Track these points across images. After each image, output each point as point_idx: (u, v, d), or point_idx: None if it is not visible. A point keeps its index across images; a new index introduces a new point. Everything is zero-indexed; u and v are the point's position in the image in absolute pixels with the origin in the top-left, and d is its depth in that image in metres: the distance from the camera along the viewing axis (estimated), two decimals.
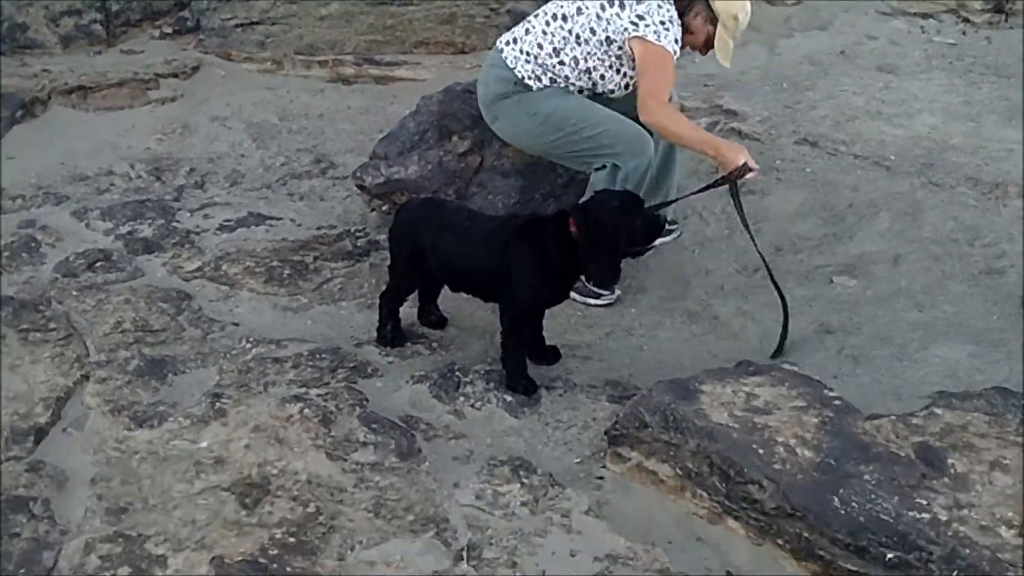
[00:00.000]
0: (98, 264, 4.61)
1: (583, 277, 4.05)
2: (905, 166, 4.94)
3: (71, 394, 3.77)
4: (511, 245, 3.68)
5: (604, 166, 4.23)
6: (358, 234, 4.89)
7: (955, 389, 3.45)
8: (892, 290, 4.19)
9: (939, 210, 4.61)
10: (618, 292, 4.36)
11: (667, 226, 4.51)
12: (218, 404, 3.66)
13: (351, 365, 3.90)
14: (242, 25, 6.56)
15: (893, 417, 3.25)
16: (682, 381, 3.41)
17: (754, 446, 3.11)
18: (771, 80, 6.10)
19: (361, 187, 4.71)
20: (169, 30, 6.75)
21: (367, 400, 3.71)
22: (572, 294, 4.34)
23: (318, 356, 3.94)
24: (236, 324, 4.23)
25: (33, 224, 4.93)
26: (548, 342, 4.01)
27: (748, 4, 4.28)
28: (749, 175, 4.04)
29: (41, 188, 5.34)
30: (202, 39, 6.62)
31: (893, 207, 4.64)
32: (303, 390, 3.74)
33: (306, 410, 3.60)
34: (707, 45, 4.37)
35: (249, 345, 4.03)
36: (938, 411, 3.30)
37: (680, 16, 4.20)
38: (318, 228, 4.96)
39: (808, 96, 5.84)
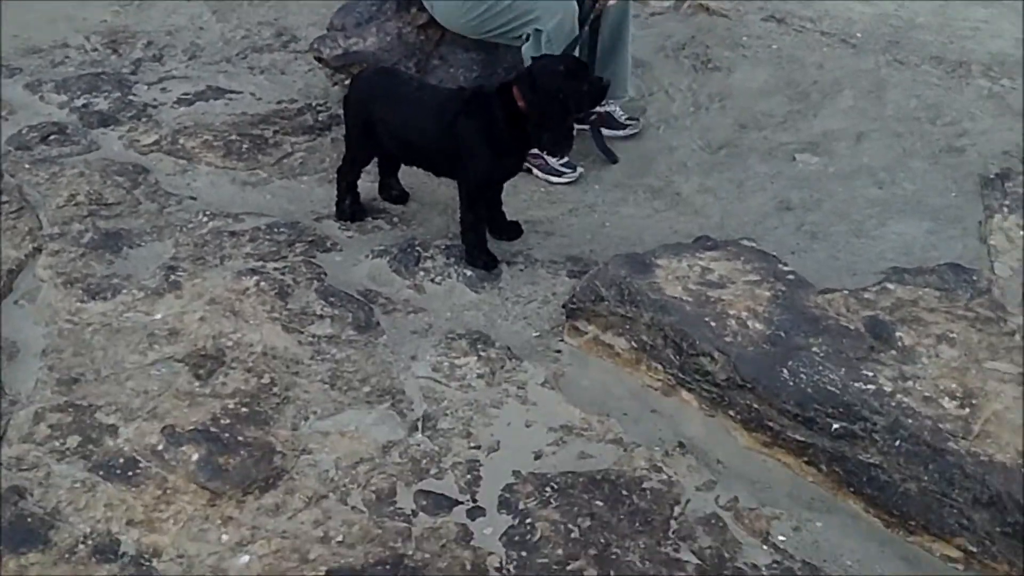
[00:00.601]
0: (52, 137, 4.53)
1: (544, 153, 4.01)
2: (871, 44, 4.88)
3: (23, 267, 3.75)
4: (459, 119, 3.63)
5: (529, 36, 4.15)
6: (319, 108, 4.81)
7: (909, 265, 3.47)
8: (853, 167, 4.18)
9: (902, 88, 4.57)
10: (580, 170, 4.33)
11: (628, 121, 4.51)
12: (173, 277, 3.65)
13: (309, 239, 3.88)
14: None
15: (846, 291, 3.28)
16: (638, 255, 3.42)
17: (706, 319, 3.14)
18: None
19: (319, 59, 4.61)
20: None
21: (325, 274, 3.70)
22: (535, 172, 4.31)
23: (276, 230, 3.91)
24: (193, 198, 4.18)
25: None
26: (510, 218, 3.99)
27: None
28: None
29: None
30: None
31: (857, 85, 4.59)
32: (260, 263, 3.72)
33: (262, 283, 3.60)
34: None
35: (205, 219, 3.99)
36: (890, 286, 3.33)
37: None
38: (278, 102, 4.88)
39: None
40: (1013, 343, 3.07)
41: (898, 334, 3.07)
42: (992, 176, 3.98)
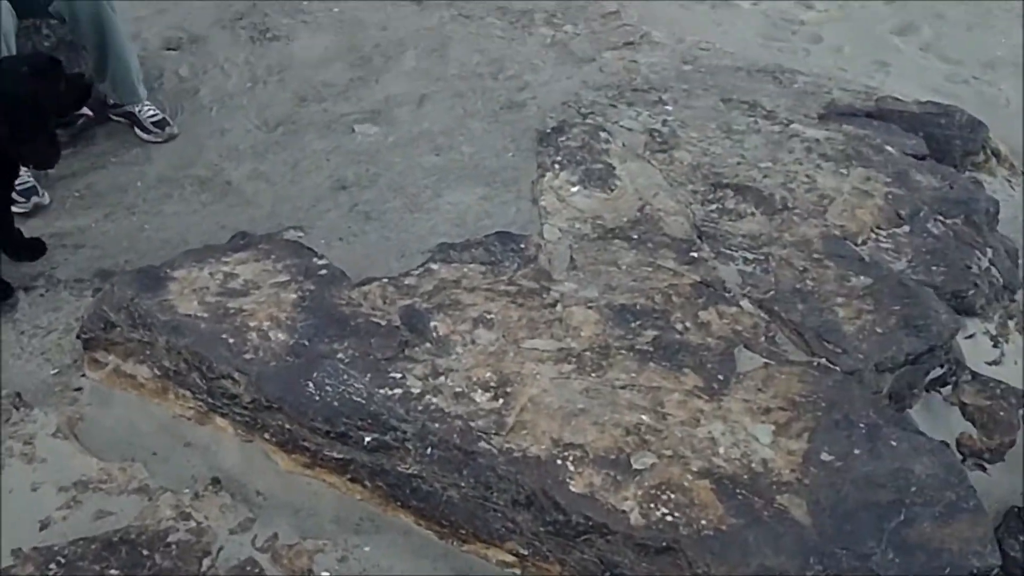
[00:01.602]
0: None
1: (29, 168, 3.53)
2: None
3: None
4: None
5: None
6: None
7: (460, 238, 3.30)
8: (414, 134, 3.98)
9: (466, 43, 4.41)
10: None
11: (153, 125, 4.13)
12: None
13: None
14: None
15: (385, 280, 3.07)
16: (152, 269, 3.06)
17: (224, 336, 2.83)
18: None
19: None
20: None
21: None
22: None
23: None
24: None
25: None
26: (39, 231, 3.52)
27: None
28: None
29: None
30: None
31: (421, 44, 4.40)
32: None
33: None
34: None
35: None
36: (434, 266, 3.15)
37: None
38: None
39: None
40: (553, 315, 2.95)
41: (433, 323, 2.88)
42: (548, 131, 3.87)
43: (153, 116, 4.13)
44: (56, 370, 3.06)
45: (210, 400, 2.84)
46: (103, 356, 3.00)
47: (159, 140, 4.10)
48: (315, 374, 2.72)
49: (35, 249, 3.47)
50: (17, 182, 3.56)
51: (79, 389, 2.99)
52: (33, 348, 3.14)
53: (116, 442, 2.84)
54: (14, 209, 3.58)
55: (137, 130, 4.13)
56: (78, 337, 3.04)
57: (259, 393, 2.73)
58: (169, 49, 4.54)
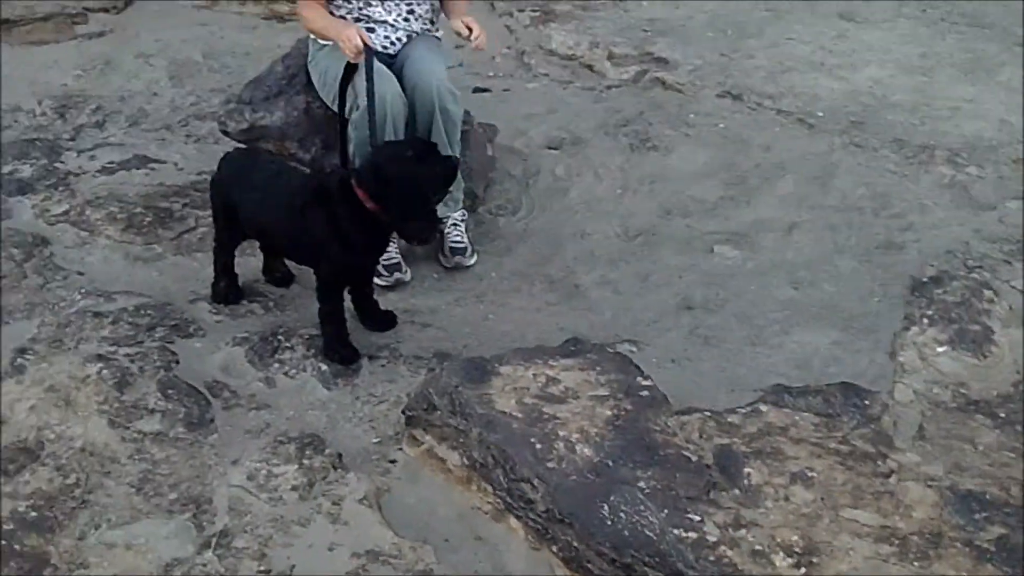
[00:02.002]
0: None
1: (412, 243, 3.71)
2: (830, 124, 4.50)
3: None
4: (307, 209, 3.39)
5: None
6: None
7: (800, 382, 3.09)
8: (774, 263, 3.80)
9: (853, 174, 4.17)
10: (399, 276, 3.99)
11: (456, 251, 4.07)
12: (20, 360, 3.45)
13: (172, 323, 3.66)
14: None
15: (707, 413, 2.91)
16: (481, 361, 3.10)
17: (532, 439, 2.80)
18: (717, 26, 5.67)
19: (225, 132, 4.41)
20: None
21: (177, 362, 3.48)
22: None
23: (142, 312, 3.70)
24: (81, 273, 4.01)
25: None
26: (394, 305, 3.71)
27: None
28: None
29: None
30: None
31: (802, 169, 4.22)
32: (112, 348, 3.51)
33: (105, 371, 3.38)
34: None
35: (79, 297, 3.81)
36: (763, 408, 2.95)
37: None
38: (199, 173, 4.69)
39: (749, 44, 5.39)
40: (885, 486, 2.66)
41: (747, 470, 2.69)
42: (925, 280, 3.55)
43: (456, 242, 4.05)
44: (378, 439, 3.18)
45: (508, 500, 2.81)
46: (421, 435, 3.07)
47: (448, 266, 4.02)
48: (612, 497, 2.61)
49: (387, 322, 3.67)
50: (384, 257, 3.79)
51: (393, 461, 3.08)
52: (363, 414, 3.29)
53: (414, 521, 2.88)
54: (376, 282, 3.81)
55: (439, 253, 4.08)
56: (403, 412, 3.14)
57: (554, 504, 2.66)
58: (551, 148, 4.68)
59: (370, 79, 3.68)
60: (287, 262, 3.93)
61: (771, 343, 3.36)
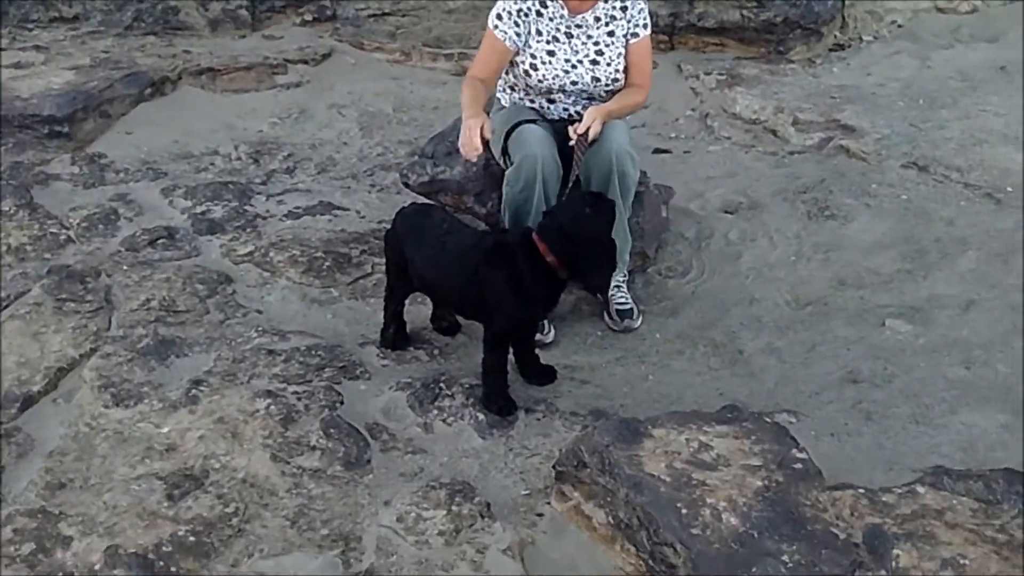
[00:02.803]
0: (160, 241, 4.70)
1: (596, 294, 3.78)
2: (1019, 200, 4.30)
3: (75, 366, 3.86)
4: (481, 267, 3.50)
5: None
6: None
7: (963, 465, 2.93)
8: (948, 340, 3.64)
9: None
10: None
11: (620, 314, 4.09)
12: (194, 391, 3.64)
13: (341, 364, 3.78)
14: (375, 16, 6.59)
15: (861, 491, 2.79)
16: (634, 422, 3.07)
17: (679, 504, 2.75)
18: (909, 95, 5.51)
19: (406, 184, 4.56)
20: (310, 18, 6.89)
21: (342, 402, 3.59)
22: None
23: (313, 352, 3.84)
24: (260, 312, 4.20)
25: (123, 197, 5.09)
26: (555, 361, 3.75)
27: None
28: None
29: (146, 163, 5.51)
30: (337, 28, 6.72)
31: (985, 246, 4.03)
32: (282, 386, 3.66)
33: (272, 407, 3.52)
34: None
35: (255, 334, 3.98)
36: (921, 489, 2.81)
37: None
38: (379, 221, 4.86)
39: (941, 115, 5.22)
40: None
41: (896, 552, 2.56)
42: None
43: (622, 304, 4.08)
44: (527, 491, 3.19)
45: (651, 563, 2.76)
46: (569, 491, 3.06)
47: (617, 329, 4.04)
48: (754, 569, 2.54)
49: (547, 376, 3.71)
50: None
51: (540, 515, 3.09)
52: (515, 466, 3.31)
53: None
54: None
55: (604, 313, 4.11)
56: (554, 467, 3.14)
57: (695, 570, 2.60)
58: (726, 212, 4.64)
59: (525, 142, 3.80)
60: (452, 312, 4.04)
61: (936, 423, 3.21)
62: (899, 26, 6.52)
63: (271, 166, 5.55)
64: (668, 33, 6.42)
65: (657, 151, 5.41)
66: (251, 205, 5.04)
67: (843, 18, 6.44)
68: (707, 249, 4.43)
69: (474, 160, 3.83)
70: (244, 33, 6.84)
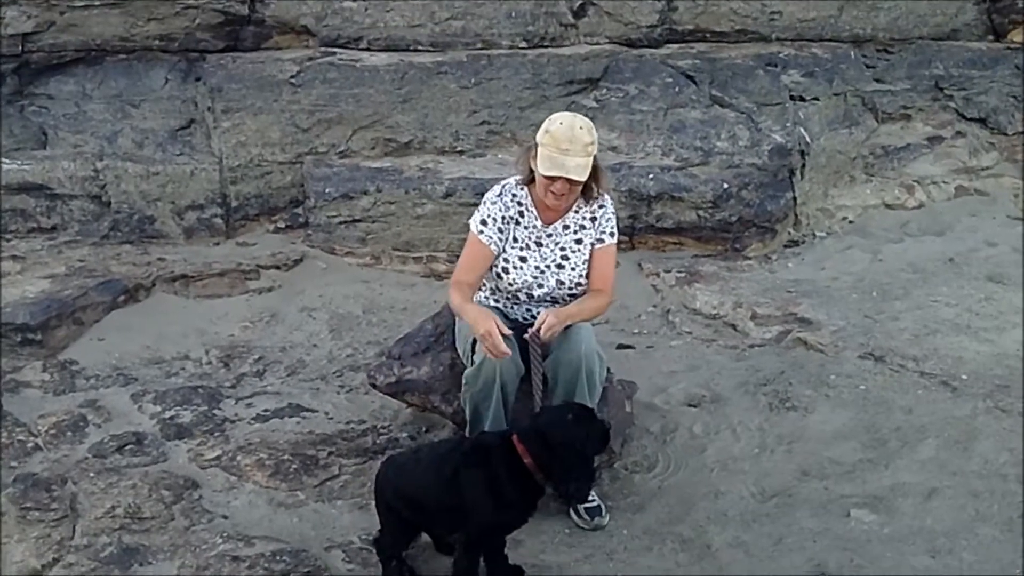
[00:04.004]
0: (127, 447, 4.69)
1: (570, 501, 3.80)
2: (975, 387, 4.41)
3: None
4: (460, 470, 3.55)
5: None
6: (382, 431, 4.78)
7: None
8: (912, 529, 3.66)
9: (996, 439, 4.05)
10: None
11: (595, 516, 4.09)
12: None
13: (306, 570, 3.77)
14: (345, 222, 6.77)
15: None
16: None
17: None
18: (862, 287, 5.70)
19: (374, 385, 4.62)
20: (283, 225, 7.06)
21: None
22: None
23: (278, 558, 3.83)
24: (225, 517, 4.18)
25: (93, 403, 5.11)
26: (523, 560, 3.72)
27: (570, 118, 3.97)
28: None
29: (117, 369, 5.55)
30: (309, 234, 6.89)
31: (944, 433, 4.11)
32: None
33: None
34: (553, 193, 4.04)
35: (220, 541, 3.96)
36: None
37: (528, 183, 4.13)
38: (347, 423, 4.89)
39: (894, 306, 5.39)
40: None
41: None
42: None
43: (589, 503, 4.05)
44: None
45: None
46: None
47: (587, 528, 4.02)
48: None
49: None
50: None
51: None
52: None
53: None
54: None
55: (571, 511, 4.10)
56: None
57: None
58: (690, 405, 4.71)
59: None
60: None
61: None
62: (850, 222, 6.79)
63: (241, 369, 5.60)
64: (628, 234, 6.62)
65: (620, 347, 5.51)
66: (220, 409, 5.06)
67: (796, 216, 6.70)
68: (672, 443, 4.47)
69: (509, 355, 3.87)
70: (218, 240, 6.99)
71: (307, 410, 5.04)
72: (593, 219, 4.16)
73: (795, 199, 6.68)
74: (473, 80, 7.15)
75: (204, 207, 6.99)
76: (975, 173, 7.31)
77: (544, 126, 3.96)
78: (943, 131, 7.52)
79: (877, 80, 7.48)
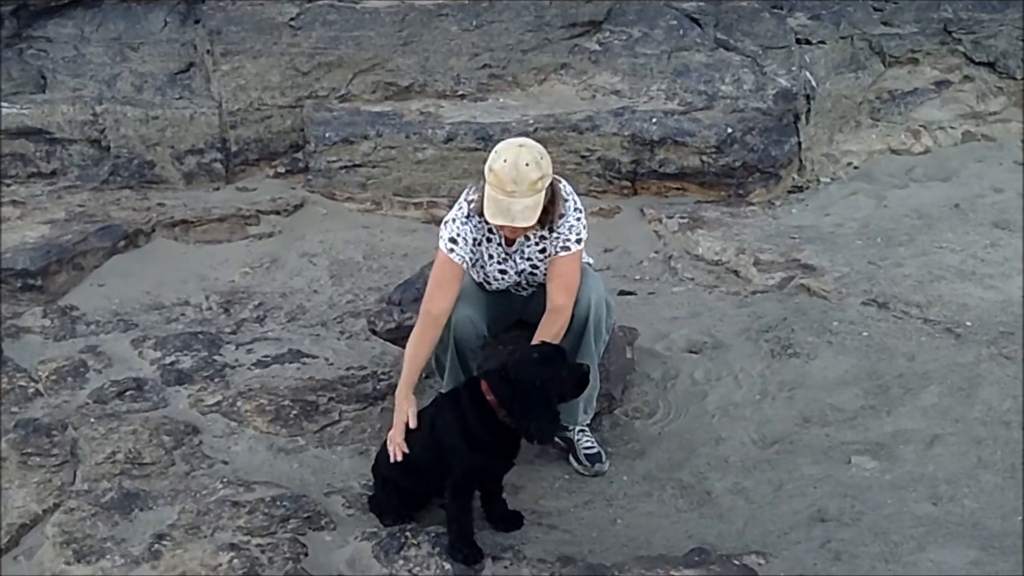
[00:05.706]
0: (128, 393, 4.69)
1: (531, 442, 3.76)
2: (979, 334, 4.38)
3: (38, 522, 3.82)
4: (436, 419, 3.56)
5: None
6: (382, 377, 4.77)
7: None
8: (913, 476, 3.65)
9: (999, 386, 4.02)
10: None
11: (588, 460, 4.09)
12: (157, 546, 3.61)
13: (306, 515, 3.76)
14: (346, 167, 6.73)
15: None
16: (600, 568, 3.07)
17: None
18: (867, 234, 5.66)
19: (373, 331, 4.60)
20: (283, 170, 7.02)
21: (306, 554, 3.56)
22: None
23: (278, 503, 3.82)
24: (225, 463, 4.18)
25: (93, 349, 5.09)
26: (523, 506, 3.72)
27: (515, 153, 3.65)
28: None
29: (117, 315, 5.55)
30: (310, 179, 6.84)
31: (947, 380, 4.09)
32: (246, 538, 3.63)
33: (236, 560, 3.49)
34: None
35: (220, 486, 3.96)
36: None
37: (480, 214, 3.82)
38: (347, 368, 4.88)
39: (899, 252, 5.35)
40: None
41: None
42: None
43: (589, 448, 4.08)
44: None
45: None
46: None
47: (587, 474, 4.03)
48: None
49: (514, 522, 3.67)
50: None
51: None
52: None
53: None
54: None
55: (571, 457, 4.11)
56: None
57: None
58: (691, 352, 4.69)
59: None
60: None
61: (905, 560, 3.20)
62: (855, 168, 6.74)
63: (241, 315, 5.59)
64: (631, 179, 6.59)
65: (622, 293, 5.49)
66: (220, 355, 5.05)
67: (800, 161, 6.64)
68: (673, 389, 4.45)
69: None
70: (218, 185, 6.96)
71: (307, 356, 5.02)
72: (551, 230, 3.87)
73: (800, 144, 6.62)
74: (474, 23, 7.06)
75: (204, 152, 6.96)
76: (982, 118, 7.23)
77: (490, 160, 3.71)
78: (951, 75, 7.42)
79: (884, 23, 7.36)
